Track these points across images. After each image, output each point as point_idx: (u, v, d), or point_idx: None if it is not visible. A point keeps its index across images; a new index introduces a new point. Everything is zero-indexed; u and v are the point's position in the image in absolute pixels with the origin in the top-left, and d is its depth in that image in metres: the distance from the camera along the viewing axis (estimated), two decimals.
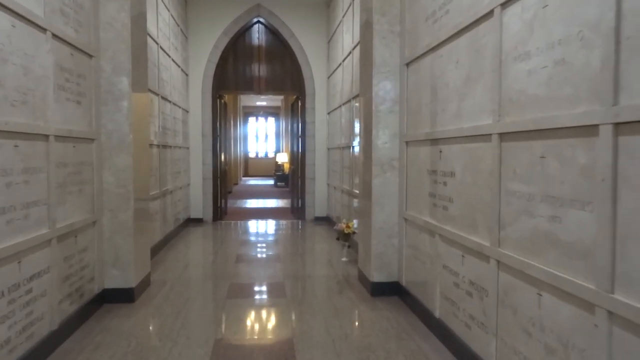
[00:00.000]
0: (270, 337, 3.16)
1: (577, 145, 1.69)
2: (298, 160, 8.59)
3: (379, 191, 3.86)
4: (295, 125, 8.91)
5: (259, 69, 8.22)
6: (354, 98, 5.82)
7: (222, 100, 8.57)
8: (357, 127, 5.59)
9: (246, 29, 8.09)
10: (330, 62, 7.88)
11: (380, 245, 3.89)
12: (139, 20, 3.90)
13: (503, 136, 2.20)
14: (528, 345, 1.99)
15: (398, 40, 3.80)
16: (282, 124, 20.02)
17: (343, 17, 6.63)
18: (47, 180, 2.76)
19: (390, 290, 3.87)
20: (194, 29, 7.82)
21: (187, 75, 7.73)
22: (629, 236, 1.45)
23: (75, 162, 3.18)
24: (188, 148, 7.78)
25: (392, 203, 3.86)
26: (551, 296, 1.84)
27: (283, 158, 17.34)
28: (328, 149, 8.04)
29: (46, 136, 2.73)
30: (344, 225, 5.11)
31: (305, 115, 8.20)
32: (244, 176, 21.46)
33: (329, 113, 7.97)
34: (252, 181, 19.91)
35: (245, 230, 7.67)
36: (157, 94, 5.58)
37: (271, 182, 18.05)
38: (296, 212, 8.74)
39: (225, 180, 8.76)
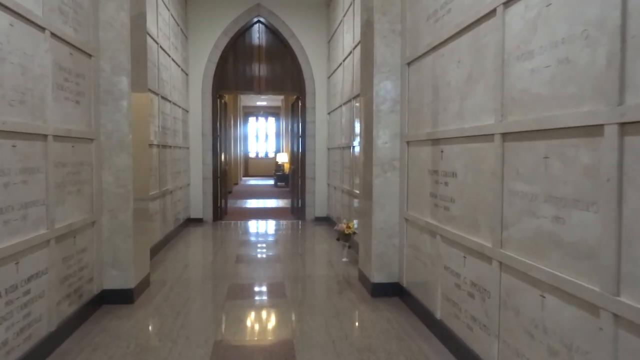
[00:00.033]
0: (270, 337, 3.14)
1: (581, 145, 1.67)
2: (298, 160, 8.56)
3: (379, 191, 3.84)
4: (295, 125, 8.89)
5: (259, 69, 8.20)
6: (354, 98, 5.80)
7: (222, 100, 8.55)
8: (357, 127, 5.57)
9: (246, 29, 8.07)
10: (330, 61, 7.86)
11: (381, 246, 3.87)
12: (138, 20, 3.88)
13: (505, 136, 2.18)
14: (531, 348, 1.97)
15: (399, 40, 3.78)
16: (282, 123, 20.00)
17: (343, 16, 6.61)
18: (46, 180, 2.74)
19: (391, 291, 3.85)
20: (194, 28, 7.80)
21: (187, 75, 7.71)
22: (634, 237, 1.43)
23: (74, 162, 3.15)
24: (188, 148, 7.76)
25: (393, 203, 3.84)
26: (554, 298, 1.82)
27: (283, 158, 17.32)
28: (328, 149, 8.02)
29: (45, 136, 2.71)
30: (344, 226, 5.09)
31: (305, 115, 8.18)
32: (244, 176, 21.44)
33: (329, 113, 7.95)
34: (252, 181, 19.89)
35: (245, 231, 7.65)
36: (157, 94, 5.56)
37: (271, 182, 18.03)
38: (296, 212, 8.72)
39: (225, 180, 8.74)
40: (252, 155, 23.51)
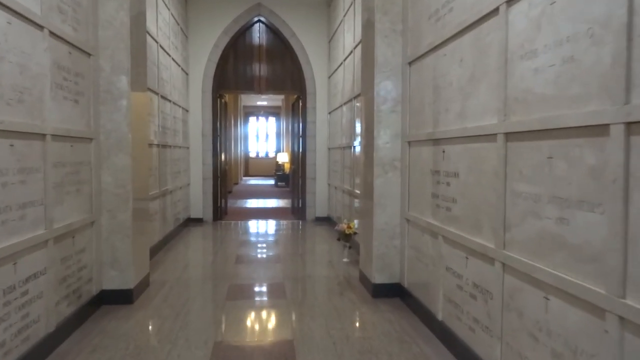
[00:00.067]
0: (270, 339, 3.12)
1: (586, 146, 1.64)
2: (299, 160, 8.54)
3: (380, 192, 3.82)
4: (295, 125, 8.87)
5: (260, 69, 8.17)
6: (355, 98, 5.77)
7: (223, 100, 8.53)
8: (358, 127, 5.55)
9: (247, 28, 8.05)
10: (331, 61, 7.84)
11: (382, 246, 3.84)
12: (138, 19, 3.86)
13: (509, 136, 2.16)
14: (534, 350, 1.95)
15: (400, 39, 3.75)
16: (283, 123, 19.98)
17: (344, 16, 6.59)
18: (44, 180, 2.71)
19: (392, 292, 3.82)
20: (194, 28, 7.78)
21: (187, 74, 7.69)
22: None
23: (73, 162, 3.13)
24: (188, 148, 7.74)
25: (394, 204, 3.82)
26: (559, 300, 1.79)
27: (284, 158, 17.30)
28: (329, 148, 8.00)
29: (43, 135, 2.69)
30: (345, 226, 5.07)
31: (306, 115, 8.16)
32: (244, 176, 21.42)
33: (329, 113, 7.93)
34: (253, 181, 19.87)
35: (246, 231, 7.63)
36: (156, 93, 5.53)
37: (272, 182, 18.01)
38: (297, 212, 8.69)
39: (225, 180, 8.72)
40: (252, 155, 23.48)
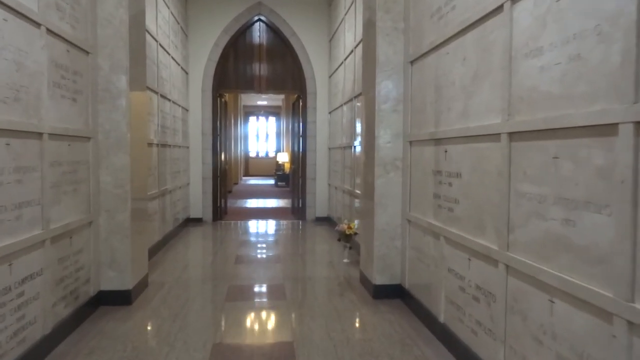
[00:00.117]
0: (270, 340, 3.08)
1: (593, 145, 1.60)
2: (299, 160, 8.50)
3: (381, 192, 3.78)
4: (296, 124, 8.83)
5: (260, 68, 8.14)
6: (356, 97, 5.73)
7: (223, 99, 8.49)
8: (359, 127, 5.51)
9: (247, 27, 8.01)
10: (331, 60, 7.80)
11: (383, 247, 3.81)
12: (137, 17, 3.82)
13: (513, 135, 2.12)
14: (539, 354, 1.91)
15: (402, 38, 3.71)
16: (283, 123, 19.94)
17: (345, 15, 6.55)
18: (41, 180, 2.67)
19: (393, 293, 3.79)
20: (194, 27, 7.74)
21: (187, 73, 7.65)
22: None
23: (71, 161, 3.09)
24: (188, 147, 7.70)
25: (395, 204, 3.78)
26: (564, 303, 1.76)
27: (284, 158, 17.26)
28: (329, 148, 7.96)
29: (40, 134, 2.65)
30: (345, 226, 5.03)
31: (306, 114, 8.12)
32: (244, 176, 21.38)
33: (330, 112, 7.89)
34: (253, 181, 19.83)
35: (245, 231, 7.59)
36: (156, 92, 5.50)
37: (272, 181, 17.97)
38: (297, 212, 8.66)
39: (225, 180, 8.68)
40: (252, 154, 23.44)
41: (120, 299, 3.58)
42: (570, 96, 1.72)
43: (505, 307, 2.18)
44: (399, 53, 3.72)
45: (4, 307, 2.30)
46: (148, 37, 4.83)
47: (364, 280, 4.15)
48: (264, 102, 21.24)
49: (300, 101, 8.26)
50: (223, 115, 8.46)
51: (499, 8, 2.22)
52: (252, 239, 7.05)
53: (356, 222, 5.03)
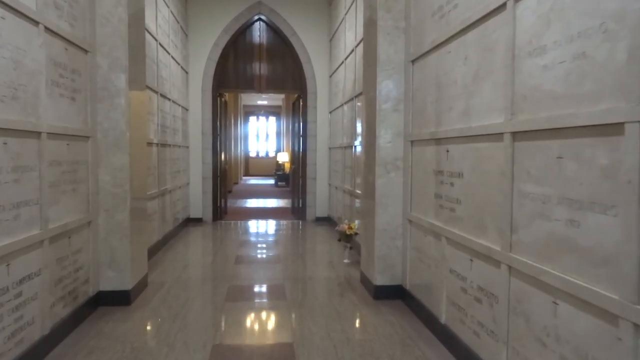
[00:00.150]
0: (270, 341, 3.06)
1: (598, 145, 1.58)
2: (299, 159, 8.48)
3: (382, 192, 3.76)
4: (296, 124, 8.81)
5: (260, 67, 8.11)
6: (356, 97, 5.71)
7: (223, 99, 8.47)
8: (359, 126, 5.49)
9: (247, 27, 7.99)
10: (332, 60, 7.78)
11: (384, 247, 3.79)
12: (137, 16, 3.80)
13: (516, 135, 2.10)
14: (542, 356, 1.89)
15: (403, 37, 3.69)
16: (283, 123, 19.91)
17: (345, 14, 6.52)
18: (39, 179, 2.65)
19: (394, 294, 3.76)
20: (194, 26, 7.72)
21: (187, 73, 7.63)
22: None
23: (70, 161, 3.07)
24: (188, 147, 7.68)
25: (396, 204, 3.76)
26: (568, 305, 1.73)
27: (284, 157, 17.24)
28: (330, 148, 7.94)
29: (38, 133, 2.63)
30: (345, 226, 5.01)
31: (306, 114, 8.10)
32: (244, 175, 21.35)
33: (330, 112, 7.87)
34: (253, 181, 19.80)
35: (245, 231, 7.57)
36: (156, 92, 5.47)
37: (272, 181, 17.95)
38: (297, 212, 8.63)
39: (225, 180, 8.66)
40: (252, 154, 23.42)
41: (119, 299, 3.55)
42: (575, 95, 1.70)
43: (507, 309, 2.16)
44: (400, 52, 3.70)
45: (1, 307, 2.27)
46: (148, 36, 4.80)
47: (365, 281, 4.12)
48: (264, 102, 21.21)
49: (301, 101, 8.23)
50: (223, 115, 8.44)
51: (502, 6, 2.20)
52: (252, 239, 7.02)
53: (357, 222, 5.00)
